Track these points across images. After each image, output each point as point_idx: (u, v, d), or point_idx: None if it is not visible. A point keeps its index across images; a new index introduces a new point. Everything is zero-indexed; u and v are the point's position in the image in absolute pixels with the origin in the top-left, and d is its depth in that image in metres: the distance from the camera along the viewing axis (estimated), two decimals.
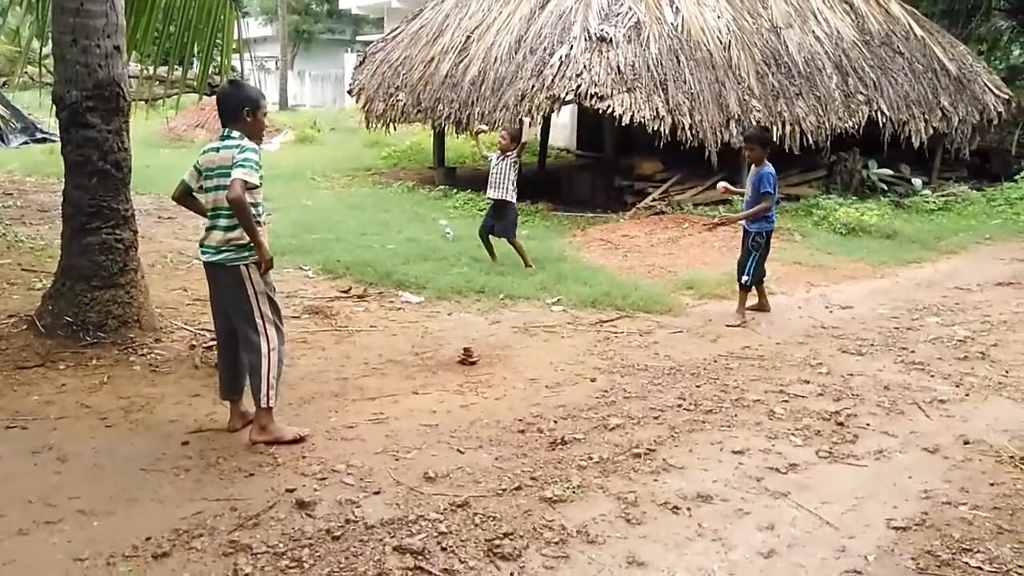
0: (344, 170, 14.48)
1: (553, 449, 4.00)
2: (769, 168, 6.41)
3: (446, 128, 12.49)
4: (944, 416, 4.55)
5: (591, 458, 3.89)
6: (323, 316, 6.08)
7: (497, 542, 3.09)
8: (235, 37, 6.93)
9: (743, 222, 6.65)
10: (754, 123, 10.73)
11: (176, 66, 7.21)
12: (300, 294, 6.69)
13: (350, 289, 6.88)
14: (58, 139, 5.57)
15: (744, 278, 6.51)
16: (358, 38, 35.09)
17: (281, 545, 3.02)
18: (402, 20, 14.44)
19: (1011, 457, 4.01)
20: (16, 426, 4.05)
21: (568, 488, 3.55)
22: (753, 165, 6.54)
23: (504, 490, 3.53)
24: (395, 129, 13.38)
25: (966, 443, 4.17)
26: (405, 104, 12.34)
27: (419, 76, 12.32)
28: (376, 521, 3.22)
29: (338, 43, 38.30)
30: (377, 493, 3.47)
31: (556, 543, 3.13)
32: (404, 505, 3.36)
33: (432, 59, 12.35)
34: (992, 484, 3.73)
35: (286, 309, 6.18)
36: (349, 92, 14.51)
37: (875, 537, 3.26)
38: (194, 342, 5.33)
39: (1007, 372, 5.28)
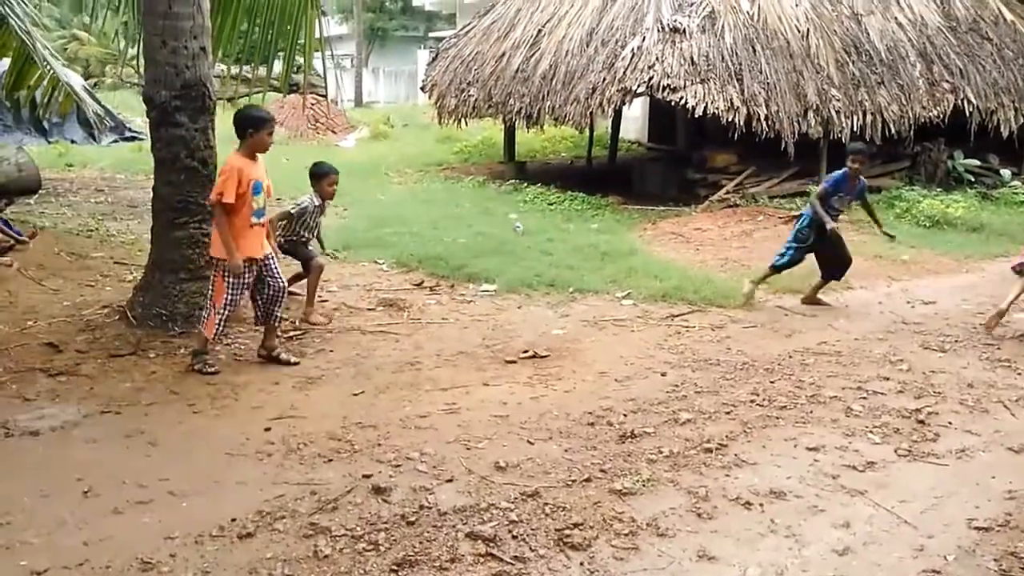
0: (416, 165, 14.70)
1: (623, 442, 4.01)
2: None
3: (516, 123, 12.55)
4: None
5: (661, 452, 3.89)
6: (397, 308, 6.21)
7: (567, 532, 3.13)
8: (315, 36, 7.12)
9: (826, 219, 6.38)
10: (833, 113, 10.46)
11: (259, 65, 7.45)
12: (375, 286, 6.85)
13: (422, 282, 7.00)
14: (146, 137, 5.85)
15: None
16: (431, 35, 35.51)
17: (358, 528, 3.13)
18: (474, 16, 14.55)
19: None
20: (110, 411, 4.28)
21: (638, 481, 3.56)
22: (859, 177, 6.57)
23: (574, 481, 3.56)
24: (467, 124, 13.50)
25: None
26: (476, 99, 12.44)
27: (490, 71, 12.40)
28: (449, 508, 3.29)
29: (411, 40, 38.81)
30: (450, 481, 3.55)
31: (626, 535, 3.15)
32: (476, 493, 3.43)
33: (503, 54, 12.41)
34: None
35: (362, 301, 6.38)
36: (422, 88, 14.71)
37: (955, 537, 3.17)
38: (277, 332, 5.52)
39: None
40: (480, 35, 13.27)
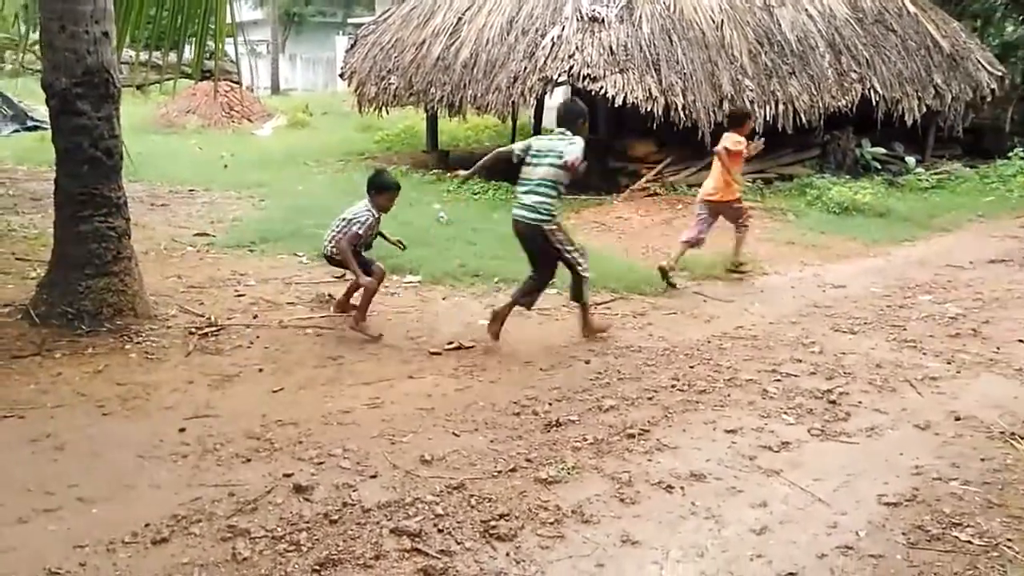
0: (337, 154, 14.43)
1: (548, 431, 4.03)
2: None
3: (439, 111, 12.45)
4: (935, 393, 4.59)
5: (585, 439, 3.92)
6: (318, 302, 6.09)
7: (493, 523, 3.13)
8: (227, 21, 6.88)
9: None
10: (747, 103, 10.70)
11: (168, 51, 7.15)
12: (295, 280, 6.69)
13: (344, 275, 6.86)
14: (49, 127, 5.54)
15: None
16: (349, 20, 34.85)
17: (279, 529, 3.05)
18: (393, 2, 14.34)
19: (1001, 432, 4.05)
20: (13, 415, 4.06)
21: (563, 469, 3.59)
22: None
23: (499, 472, 3.57)
24: (387, 113, 13.33)
25: (957, 419, 4.22)
26: (397, 87, 12.28)
27: (411, 59, 12.26)
28: (373, 504, 3.25)
29: (329, 26, 38.00)
30: (374, 477, 3.50)
31: (551, 523, 3.17)
32: (401, 488, 3.40)
33: (424, 41, 12.28)
34: (982, 459, 3.78)
35: (281, 295, 6.22)
36: (341, 76, 14.42)
37: (866, 513, 3.30)
38: (192, 329, 5.34)
39: (998, 349, 5.33)
40: (400, 22, 13.09)
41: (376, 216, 5.46)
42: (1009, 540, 3.10)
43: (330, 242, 5.43)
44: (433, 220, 8.94)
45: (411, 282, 6.76)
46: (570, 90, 13.90)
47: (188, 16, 6.72)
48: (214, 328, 5.36)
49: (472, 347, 5.26)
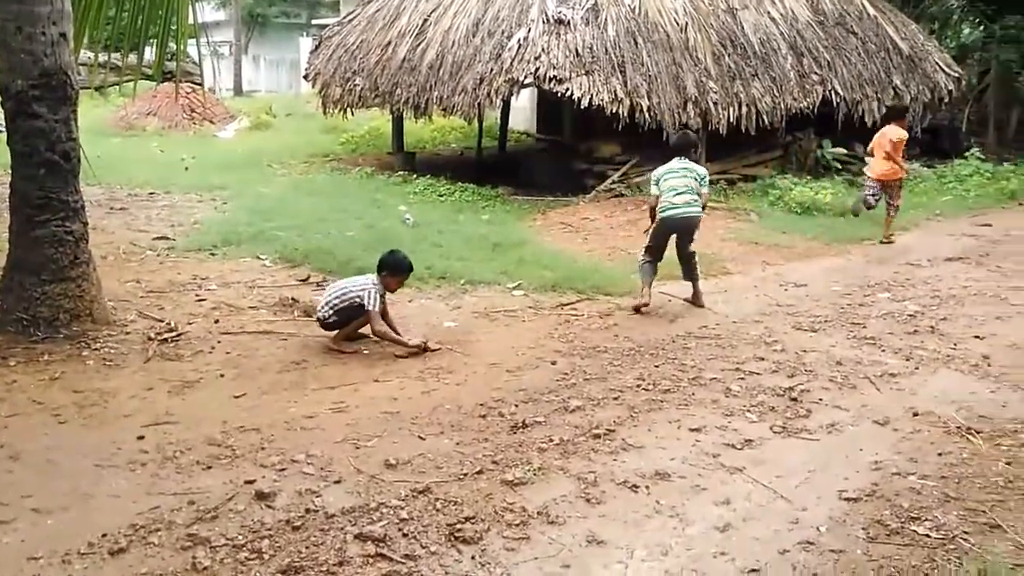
0: (301, 156, 14.31)
1: (514, 432, 4.03)
2: None
3: (404, 113, 12.41)
4: (894, 389, 4.67)
5: (552, 440, 3.93)
6: (282, 305, 6.02)
7: (458, 526, 3.12)
8: (189, 22, 6.77)
9: None
10: (711, 105, 10.81)
11: (128, 53, 7.02)
12: (258, 283, 6.61)
13: (308, 277, 6.82)
14: (3, 130, 5.41)
15: None
16: (314, 22, 34.58)
17: (240, 537, 3.01)
18: (358, 3, 14.26)
19: (958, 427, 4.13)
20: None
21: (529, 471, 3.59)
22: None
23: (465, 475, 3.55)
24: (352, 114, 13.25)
25: (915, 415, 4.29)
26: (362, 89, 12.22)
27: (376, 60, 12.20)
28: (337, 510, 3.22)
29: (293, 27, 37.64)
30: (338, 482, 3.46)
31: (517, 525, 3.16)
32: (365, 493, 3.37)
33: (389, 43, 12.23)
34: (940, 454, 3.85)
35: (244, 299, 6.14)
36: (305, 77, 14.33)
37: (827, 508, 3.34)
38: (151, 334, 5.25)
39: (955, 345, 5.43)
40: (365, 23, 13.02)
41: (383, 294, 5.27)
42: (966, 533, 3.15)
43: (326, 308, 5.21)
44: (399, 222, 8.91)
45: None
46: (536, 91, 13.97)
47: (149, 17, 6.60)
48: (174, 333, 5.28)
49: (438, 349, 5.24)
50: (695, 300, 6.47)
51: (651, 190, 6.41)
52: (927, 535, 3.14)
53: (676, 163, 6.34)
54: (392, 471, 3.57)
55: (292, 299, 6.10)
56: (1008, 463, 3.74)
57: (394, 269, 5.34)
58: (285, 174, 12.70)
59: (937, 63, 13.41)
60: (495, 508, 3.27)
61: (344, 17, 14.48)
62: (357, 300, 5.16)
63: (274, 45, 37.65)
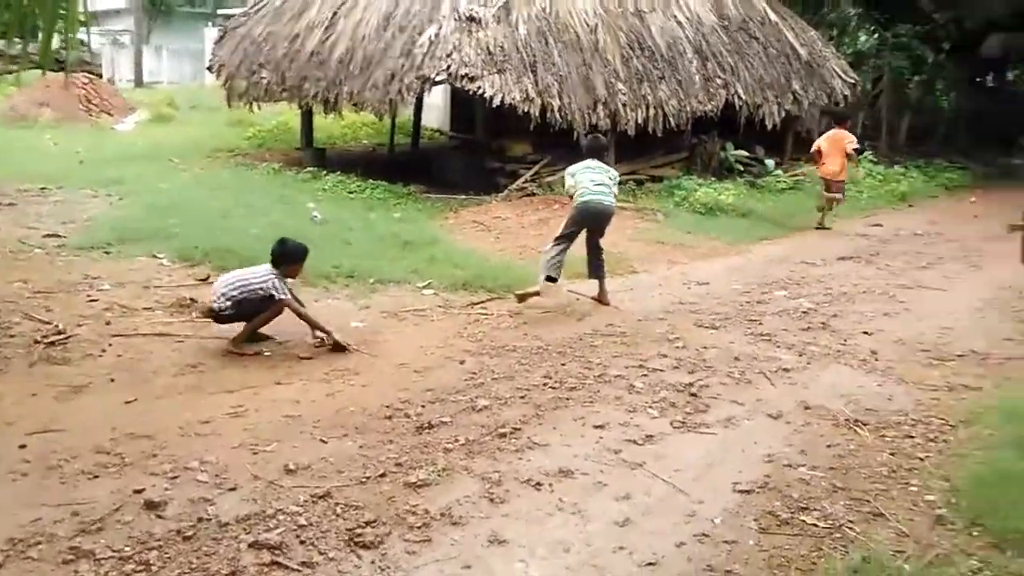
0: (204, 151, 13.82)
1: (420, 433, 4.00)
2: None
3: (314, 107, 12.16)
4: (788, 384, 4.85)
5: (457, 440, 3.92)
6: (179, 306, 5.80)
7: (359, 531, 3.07)
8: (80, 8, 6.43)
9: None
10: (620, 106, 10.99)
11: (15, 40, 6.62)
12: (154, 283, 6.34)
13: (208, 277, 6.58)
14: None
15: None
16: (220, 11, 33.43)
17: (127, 549, 2.88)
18: None
19: (846, 420, 4.33)
20: None
21: (433, 472, 3.57)
22: None
23: (368, 478, 3.50)
24: (259, 108, 12.89)
25: (807, 408, 4.47)
26: (269, 82, 11.89)
27: (283, 53, 11.90)
28: (231, 518, 3.12)
29: (199, 16, 36.31)
30: (233, 489, 3.36)
31: (419, 527, 3.14)
32: (262, 500, 3.28)
33: (297, 35, 11.94)
34: (829, 446, 4.02)
35: (139, 300, 5.89)
36: (209, 69, 13.84)
37: (722, 501, 3.45)
38: (37, 337, 4.97)
39: (845, 341, 5.69)
40: (272, 14, 12.68)
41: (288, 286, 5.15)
42: (851, 522, 3.31)
43: (222, 299, 5.00)
44: (307, 220, 8.71)
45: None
46: (449, 89, 13.91)
47: (37, 2, 6.23)
48: (62, 336, 5.01)
49: (345, 349, 5.15)
50: (601, 298, 6.55)
51: (567, 182, 6.55)
52: (815, 524, 3.27)
53: (590, 161, 6.55)
54: (291, 476, 3.49)
55: (190, 299, 5.89)
56: (892, 454, 3.94)
57: (291, 259, 5.23)
58: (187, 169, 12.24)
59: (834, 69, 14.02)
60: (397, 511, 3.24)
61: (251, 7, 14.06)
62: (261, 291, 5.03)
63: (178, 35, 36.21)
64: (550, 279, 6.34)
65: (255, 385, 4.54)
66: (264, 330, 5.22)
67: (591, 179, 6.41)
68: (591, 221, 6.45)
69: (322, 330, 5.19)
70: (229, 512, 3.16)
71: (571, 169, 6.60)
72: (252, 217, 8.52)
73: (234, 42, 12.87)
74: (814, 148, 10.38)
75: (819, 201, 10.37)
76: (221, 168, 12.28)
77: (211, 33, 26.18)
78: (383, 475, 3.54)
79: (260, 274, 5.11)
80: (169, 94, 22.49)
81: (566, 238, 6.44)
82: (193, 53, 33.08)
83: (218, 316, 5.09)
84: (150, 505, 3.17)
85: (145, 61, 31.27)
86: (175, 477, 3.43)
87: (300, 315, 5.17)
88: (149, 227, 7.81)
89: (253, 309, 5.07)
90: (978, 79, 19.32)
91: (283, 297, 5.06)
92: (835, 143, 10.07)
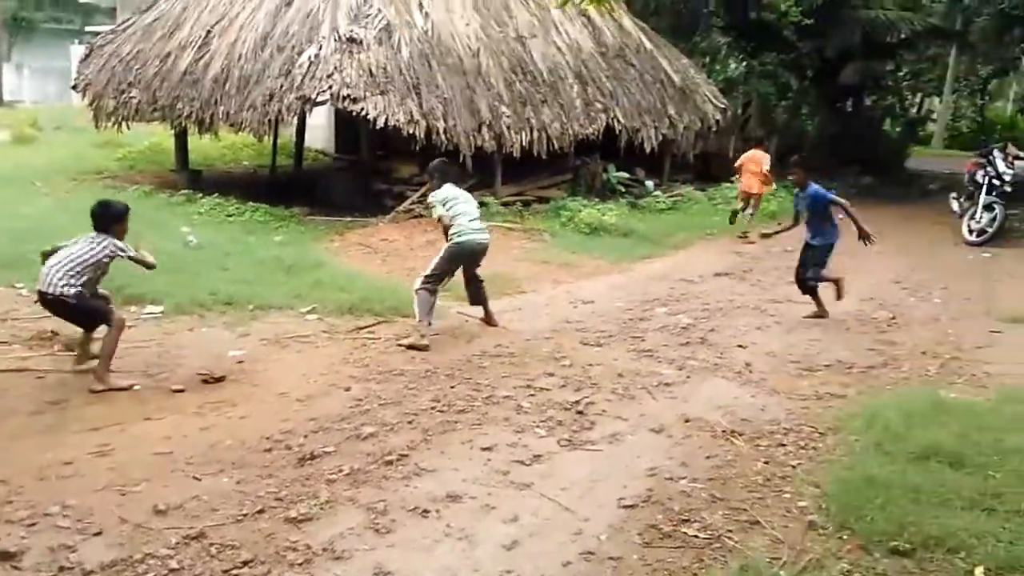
0: (70, 173, 13.04)
1: (302, 465, 3.87)
2: (816, 186, 6.79)
3: (188, 128, 11.71)
4: (669, 398, 5.00)
5: (341, 470, 3.82)
6: (39, 339, 5.42)
7: (235, 572, 2.94)
8: None
9: (809, 239, 6.97)
10: (505, 129, 11.13)
11: None
12: (12, 315, 5.91)
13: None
14: None
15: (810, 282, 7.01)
16: (88, 28, 31.84)
17: None
18: (135, 11, 13.31)
19: (723, 431, 4.49)
20: None
21: (315, 505, 3.46)
22: (799, 189, 6.97)
23: (245, 515, 3.36)
24: (128, 128, 12.30)
25: (687, 421, 4.61)
26: (139, 102, 11.38)
27: (154, 72, 11.42)
28: (95, 566, 2.92)
29: (64, 33, 34.45)
30: (98, 534, 3.15)
31: (300, 564, 3.03)
32: (129, 544, 3.09)
33: (169, 54, 11.49)
34: (707, 457, 4.15)
35: None
36: (74, 87, 13.12)
37: (608, 517, 3.50)
38: None
39: (722, 354, 5.92)
40: (141, 32, 12.16)
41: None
42: (730, 531, 3.42)
43: (64, 283, 4.69)
44: (181, 244, 8.34)
45: (152, 313, 6.23)
46: (332, 110, 13.72)
47: None
48: None
49: (221, 380, 4.94)
50: (488, 320, 6.56)
51: (438, 211, 6.31)
52: (696, 536, 3.36)
53: (454, 189, 6.41)
54: (162, 517, 3.30)
55: (52, 332, 5.51)
56: (766, 462, 4.11)
57: (118, 217, 4.97)
58: (50, 193, 11.51)
59: (706, 95, 14.70)
60: (277, 548, 3.12)
61: (119, 25, 13.45)
62: (106, 259, 4.85)
63: (42, 52, 34.23)
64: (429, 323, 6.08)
65: (122, 421, 4.28)
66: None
67: (466, 213, 6.27)
68: (468, 259, 6.35)
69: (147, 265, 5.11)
70: (93, 559, 2.96)
71: (439, 196, 6.35)
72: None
73: (101, 60, 12.27)
74: (737, 164, 11.61)
75: (733, 208, 11.60)
76: (88, 191, 11.60)
77: (78, 51, 24.85)
78: (261, 511, 3.40)
79: (94, 244, 4.84)
80: (32, 114, 21.20)
81: (438, 278, 6.21)
82: (58, 71, 31.40)
83: (52, 302, 4.76)
84: (5, 556, 2.93)
85: (5, 79, 29.51)
86: (33, 524, 3.19)
87: (140, 259, 5.04)
88: (7, 255, 7.27)
89: (99, 277, 4.93)
90: (839, 104, 20.67)
91: (133, 254, 4.95)
92: (752, 161, 11.23)
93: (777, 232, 7.59)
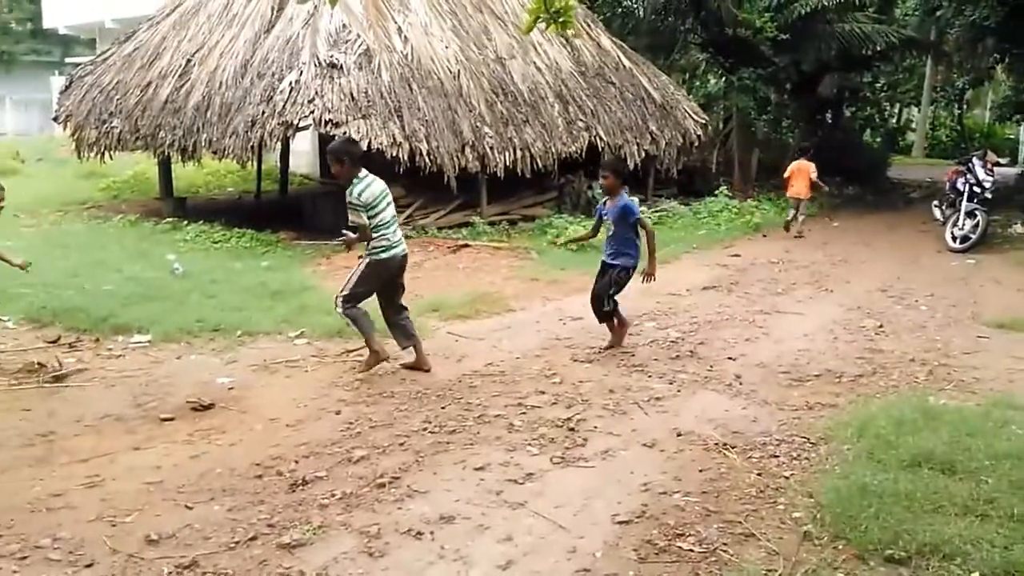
0: (54, 204, 13.01)
1: (293, 491, 3.84)
2: (629, 198, 6.17)
3: (171, 156, 11.70)
4: (660, 412, 4.99)
5: (334, 495, 3.79)
6: (25, 371, 5.38)
7: None
8: None
9: (607, 258, 6.33)
10: (488, 149, 11.19)
11: None
12: None
13: (59, 338, 6.15)
14: None
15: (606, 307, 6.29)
16: (68, 60, 31.87)
17: None
18: (114, 41, 13.33)
19: (716, 444, 4.49)
20: None
21: (308, 530, 3.43)
22: (609, 197, 6.24)
23: (237, 543, 3.33)
24: (111, 158, 12.29)
25: (679, 435, 4.61)
26: (122, 131, 11.39)
27: (135, 101, 11.44)
28: None
29: (44, 65, 34.47)
30: (89, 566, 3.12)
31: None
32: (122, 575, 3.04)
33: (149, 83, 11.52)
34: (701, 470, 4.15)
35: None
36: (55, 119, 13.11)
37: (602, 534, 3.48)
38: None
39: (711, 367, 5.93)
40: (121, 63, 12.19)
41: None
42: (725, 544, 3.41)
43: None
44: (167, 272, 8.31)
45: (140, 343, 6.19)
46: (316, 134, 13.75)
47: None
48: None
49: (210, 408, 4.91)
50: (420, 364, 5.73)
51: (360, 217, 5.34)
52: (691, 550, 3.35)
53: (376, 184, 5.42)
54: (154, 547, 3.27)
55: (38, 363, 5.47)
56: (759, 474, 4.11)
57: None
58: (34, 225, 11.46)
59: (687, 111, 14.83)
60: (270, 575, 3.08)
61: (98, 56, 13.46)
62: None
63: (23, 84, 34.20)
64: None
65: (112, 452, 4.24)
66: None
67: (387, 220, 5.45)
68: (397, 274, 5.66)
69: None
70: None
71: (361, 197, 5.30)
72: (106, 273, 8.07)
73: (82, 91, 12.28)
74: (786, 174, 12.79)
75: (787, 216, 12.86)
76: (72, 222, 11.58)
77: (58, 82, 24.84)
78: (254, 538, 3.37)
79: None
80: (13, 146, 21.12)
81: (363, 295, 5.56)
82: (40, 103, 31.41)
83: None
84: None
85: None
86: (24, 558, 3.15)
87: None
88: None
89: None
90: (819, 116, 20.90)
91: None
92: (800, 171, 12.49)
93: (579, 240, 7.97)
